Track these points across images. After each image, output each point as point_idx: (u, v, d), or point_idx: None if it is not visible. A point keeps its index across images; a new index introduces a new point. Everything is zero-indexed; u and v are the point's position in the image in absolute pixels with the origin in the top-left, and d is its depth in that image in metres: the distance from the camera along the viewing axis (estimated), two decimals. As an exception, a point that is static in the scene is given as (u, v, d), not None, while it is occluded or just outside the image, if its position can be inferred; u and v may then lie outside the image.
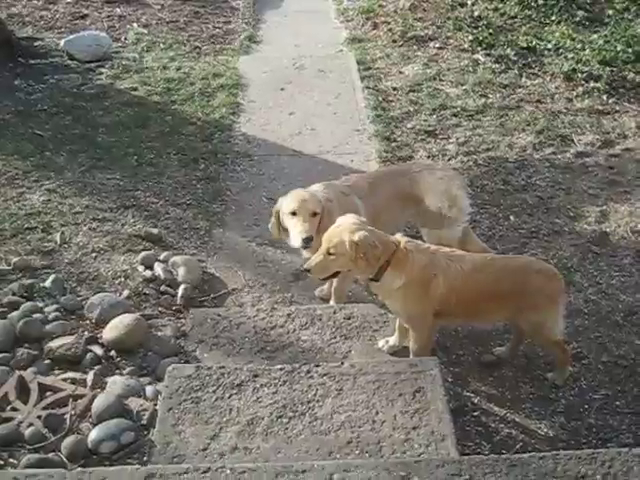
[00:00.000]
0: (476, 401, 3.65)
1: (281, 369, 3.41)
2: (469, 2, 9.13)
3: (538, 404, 3.64)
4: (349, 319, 3.95)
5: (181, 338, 3.95)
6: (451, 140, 6.23)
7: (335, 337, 3.85)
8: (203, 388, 3.32)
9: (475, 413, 3.57)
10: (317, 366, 3.42)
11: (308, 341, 3.83)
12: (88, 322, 4.00)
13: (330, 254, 3.40)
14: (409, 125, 6.45)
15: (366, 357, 3.70)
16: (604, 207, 5.37)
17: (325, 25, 9.32)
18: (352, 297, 4.31)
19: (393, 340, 3.76)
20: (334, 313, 3.99)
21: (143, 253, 4.67)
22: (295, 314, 4.01)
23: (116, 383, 3.52)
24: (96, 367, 3.65)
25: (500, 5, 9.06)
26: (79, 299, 4.19)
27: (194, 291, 4.43)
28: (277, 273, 4.63)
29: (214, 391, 3.31)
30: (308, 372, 3.38)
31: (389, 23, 8.75)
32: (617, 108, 6.95)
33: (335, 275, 3.61)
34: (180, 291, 4.35)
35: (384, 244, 3.39)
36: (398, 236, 3.52)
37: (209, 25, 9.06)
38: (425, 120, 6.54)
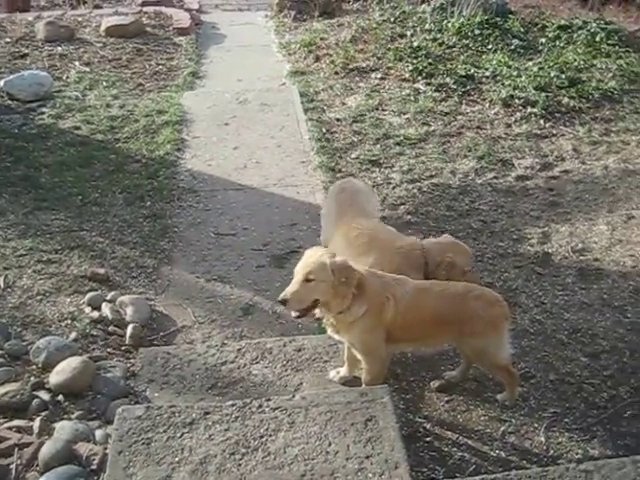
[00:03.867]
0: (429, 426, 3.66)
1: (232, 405, 3.38)
2: (408, 33, 9.40)
3: (490, 426, 3.68)
4: (299, 351, 3.96)
5: (131, 379, 3.89)
6: (395, 169, 6.34)
7: (286, 370, 3.85)
8: (154, 428, 3.27)
9: (428, 438, 3.59)
10: (268, 400, 3.40)
11: (259, 375, 3.82)
12: (34, 367, 3.90)
13: (309, 280, 3.31)
14: (353, 155, 6.56)
15: (317, 388, 3.70)
16: (546, 228, 5.52)
17: (268, 59, 9.45)
18: (302, 329, 4.33)
19: (344, 371, 3.78)
20: (284, 346, 3.99)
21: (90, 294, 4.60)
22: (245, 349, 4.00)
23: (64, 428, 3.44)
24: (43, 413, 3.55)
25: (438, 35, 9.34)
26: (24, 344, 4.08)
27: (143, 330, 4.36)
28: (226, 308, 4.61)
29: (165, 431, 3.26)
30: (260, 407, 3.36)
31: (331, 55, 8.93)
32: (554, 132, 7.20)
33: (312, 308, 3.43)
34: (129, 331, 4.29)
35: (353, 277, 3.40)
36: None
37: (152, 62, 9.09)
38: (369, 150, 6.66)
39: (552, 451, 3.54)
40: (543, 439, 3.61)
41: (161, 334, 4.41)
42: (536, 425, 3.69)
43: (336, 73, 8.42)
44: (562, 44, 9.51)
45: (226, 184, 6.14)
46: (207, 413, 3.34)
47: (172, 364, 3.90)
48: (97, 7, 11.23)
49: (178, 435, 3.23)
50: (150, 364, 3.91)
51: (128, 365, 4.02)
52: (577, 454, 3.52)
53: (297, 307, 3.39)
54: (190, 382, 3.79)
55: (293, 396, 3.47)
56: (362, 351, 3.59)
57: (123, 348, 4.22)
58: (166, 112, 7.39)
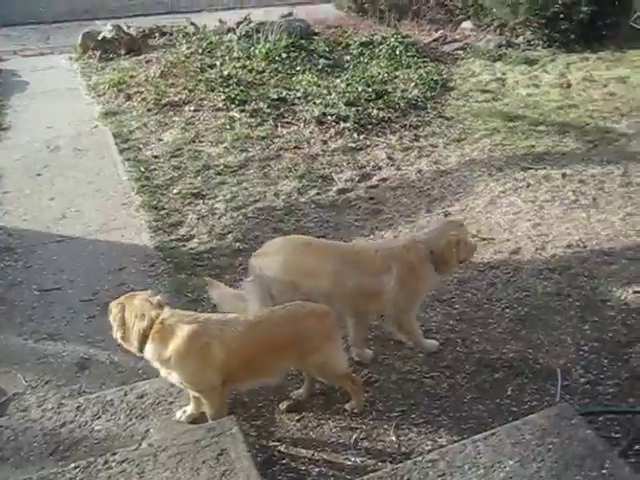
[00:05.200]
0: (283, 448, 3.65)
1: (76, 467, 3.20)
2: (217, 63, 9.49)
3: (342, 436, 3.72)
4: (142, 397, 3.82)
5: (-41, 462, 3.59)
6: (219, 198, 6.34)
7: (131, 419, 3.70)
8: (-12, 513, 3.03)
9: (284, 460, 3.57)
10: (114, 454, 3.25)
11: (103, 430, 3.64)
12: None
13: None
14: (175, 190, 6.48)
15: (166, 432, 3.59)
16: (371, 236, 5.73)
17: (76, 102, 9.13)
18: (143, 374, 4.19)
19: (190, 409, 3.69)
20: (125, 395, 3.84)
21: None
22: (85, 405, 3.80)
23: None
24: None
25: (247, 62, 9.51)
26: None
27: (-32, 408, 4.05)
28: (60, 366, 4.36)
29: (1, 512, 3.03)
30: (105, 463, 3.21)
31: (142, 93, 8.81)
32: (368, 143, 7.53)
33: None
34: (-49, 410, 3.96)
35: (139, 317, 3.44)
36: (165, 310, 3.54)
37: (-53, 118, 8.51)
38: (190, 183, 6.62)
39: (404, 448, 3.65)
40: (394, 438, 3.71)
41: (-10, 407, 4.10)
42: (386, 426, 3.79)
43: (149, 110, 8.31)
44: (366, 59, 10.03)
45: (45, 237, 5.83)
46: (48, 482, 3.15)
47: (5, 436, 3.62)
48: None
49: (17, 513, 3.02)
50: (-20, 442, 3.63)
51: (-45, 448, 3.70)
52: (427, 446, 3.64)
53: None
54: (27, 452, 3.54)
55: (140, 445, 3.36)
56: (195, 390, 3.57)
57: (-53, 431, 3.87)
58: (-31, 170, 6.94)
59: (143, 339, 3.44)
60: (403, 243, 4.29)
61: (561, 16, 10.40)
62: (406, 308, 4.18)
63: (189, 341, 3.39)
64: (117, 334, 3.52)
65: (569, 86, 9.28)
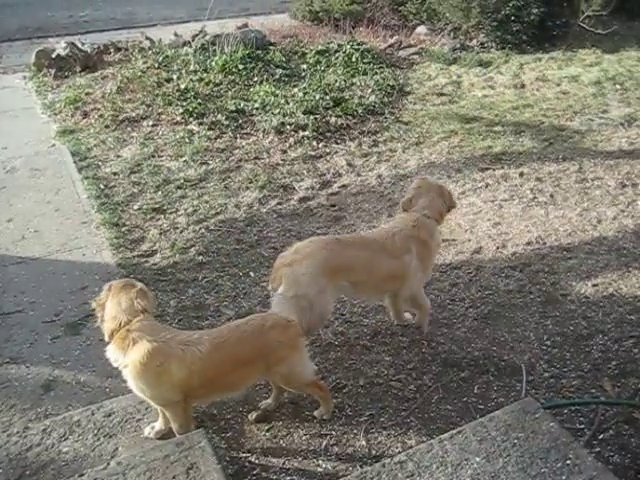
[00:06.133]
0: (254, 459, 3.65)
1: (43, 491, 3.17)
2: (174, 77, 9.43)
3: (312, 443, 3.74)
4: (109, 416, 3.79)
5: None
6: (180, 212, 6.31)
7: (98, 439, 3.67)
8: None
9: (255, 471, 3.58)
10: (82, 475, 3.23)
11: (70, 452, 3.60)
12: None
13: None
14: (135, 207, 6.43)
15: (135, 449, 3.57)
16: (334, 243, 5.74)
17: (32, 122, 8.99)
18: (110, 392, 4.15)
19: (159, 425, 3.67)
20: (92, 414, 3.80)
21: None
22: (51, 427, 3.75)
23: None
24: None
25: (204, 75, 9.47)
26: None
27: None
28: (25, 389, 4.29)
29: None
30: (73, 485, 3.19)
31: (99, 109, 8.72)
32: (327, 150, 7.57)
33: None
34: None
35: (112, 317, 3.48)
36: (139, 317, 3.49)
37: None
38: (151, 198, 6.57)
39: (374, 451, 3.68)
40: (364, 442, 3.74)
41: (-47, 439, 4.01)
42: (355, 431, 3.82)
43: (107, 127, 8.24)
44: (322, 68, 10.07)
45: (4, 259, 5.73)
46: (15, 508, 3.10)
47: (-31, 465, 3.57)
48: None
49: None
50: (-57, 477, 3.56)
51: None
52: (397, 448, 3.68)
53: None
54: (-7, 481, 3.49)
55: (108, 464, 3.32)
56: (157, 405, 3.56)
57: None
58: None
59: (110, 337, 3.48)
60: (412, 224, 4.44)
61: (512, 18, 10.59)
62: (421, 281, 4.54)
63: (146, 358, 3.36)
64: (97, 314, 3.59)
65: (523, 86, 9.46)
